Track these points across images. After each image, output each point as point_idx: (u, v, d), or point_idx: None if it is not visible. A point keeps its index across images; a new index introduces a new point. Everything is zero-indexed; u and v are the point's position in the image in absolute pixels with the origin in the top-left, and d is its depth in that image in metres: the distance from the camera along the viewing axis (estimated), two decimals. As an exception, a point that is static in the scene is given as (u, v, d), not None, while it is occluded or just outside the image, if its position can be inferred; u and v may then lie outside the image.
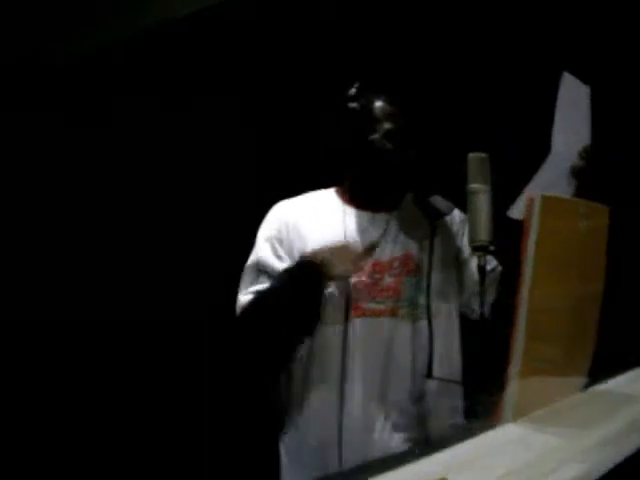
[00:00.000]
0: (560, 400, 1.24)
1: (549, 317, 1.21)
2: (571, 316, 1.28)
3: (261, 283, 1.79)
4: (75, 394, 2.88)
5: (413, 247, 1.82)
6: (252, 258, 1.84)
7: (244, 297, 1.80)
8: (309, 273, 1.71)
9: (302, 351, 1.77)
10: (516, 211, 1.66)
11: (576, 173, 1.69)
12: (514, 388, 1.15)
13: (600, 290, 1.33)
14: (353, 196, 1.88)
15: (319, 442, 1.75)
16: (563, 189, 1.68)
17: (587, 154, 1.68)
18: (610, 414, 1.18)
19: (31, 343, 2.90)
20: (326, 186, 1.97)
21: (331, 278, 1.72)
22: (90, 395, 2.87)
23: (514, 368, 1.14)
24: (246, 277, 1.83)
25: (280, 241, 1.82)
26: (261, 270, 1.81)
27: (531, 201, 1.16)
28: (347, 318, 1.74)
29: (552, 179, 1.69)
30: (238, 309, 1.80)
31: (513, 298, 1.78)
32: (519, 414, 1.15)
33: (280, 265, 1.79)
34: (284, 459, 1.82)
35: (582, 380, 1.33)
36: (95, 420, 2.84)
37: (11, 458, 2.62)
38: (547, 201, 1.17)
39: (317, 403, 1.76)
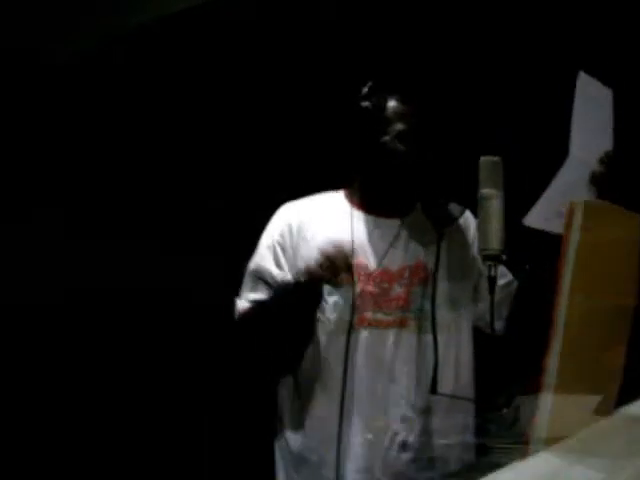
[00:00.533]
0: (592, 424, 1.14)
1: (584, 332, 1.12)
2: (604, 332, 1.19)
3: (259, 291, 1.75)
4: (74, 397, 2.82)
5: (425, 256, 1.74)
6: (253, 262, 1.79)
7: (241, 304, 1.76)
8: (301, 296, 1.67)
9: (305, 361, 1.71)
10: (533, 219, 1.57)
11: (596, 180, 1.60)
12: (546, 410, 1.05)
13: (632, 305, 1.24)
14: (362, 200, 1.80)
15: (317, 457, 1.69)
16: (583, 196, 1.59)
17: (609, 160, 1.59)
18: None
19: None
20: (335, 188, 1.89)
21: (334, 285, 1.67)
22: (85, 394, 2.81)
23: (548, 388, 1.04)
24: (246, 281, 1.78)
25: (283, 246, 1.76)
26: (260, 278, 1.75)
27: (572, 208, 1.06)
28: (351, 328, 1.67)
29: (571, 185, 1.60)
30: (235, 314, 1.76)
31: (530, 313, 1.76)
32: (550, 440, 1.06)
33: (280, 274, 1.73)
34: (280, 472, 1.76)
35: (612, 401, 1.24)
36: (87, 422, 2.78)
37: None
38: (589, 208, 1.07)
39: (317, 417, 1.71)
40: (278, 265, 1.75)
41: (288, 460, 1.74)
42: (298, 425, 1.72)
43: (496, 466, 1.15)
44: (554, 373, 1.10)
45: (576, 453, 1.04)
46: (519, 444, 1.37)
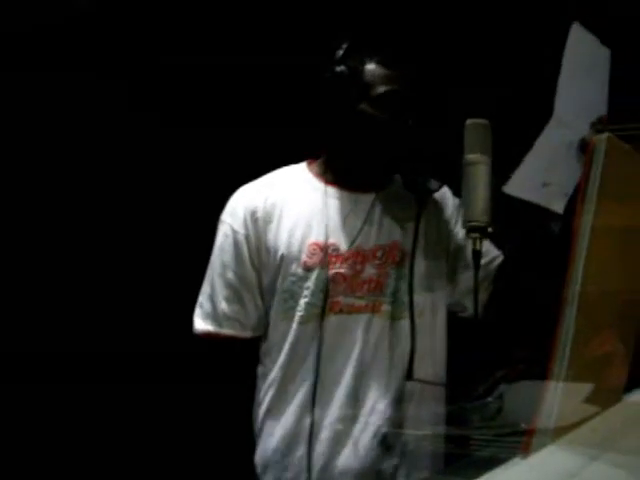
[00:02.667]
0: (601, 412, 1.01)
1: (595, 317, 0.98)
2: (615, 316, 1.06)
3: (233, 302, 1.62)
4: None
5: (401, 235, 1.59)
6: (216, 261, 1.63)
7: (197, 310, 1.64)
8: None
9: (275, 350, 1.60)
10: (514, 187, 1.42)
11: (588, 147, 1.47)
12: (554, 399, 0.91)
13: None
14: (335, 173, 1.63)
15: (288, 448, 1.57)
16: (571, 165, 1.45)
17: (603, 126, 1.46)
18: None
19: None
20: (292, 161, 1.71)
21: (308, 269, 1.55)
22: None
23: (557, 372, 0.90)
24: (206, 280, 1.65)
25: (247, 238, 1.60)
26: (230, 284, 1.62)
27: (593, 143, 0.92)
28: (323, 315, 1.54)
29: (556, 151, 1.46)
30: (200, 329, 1.64)
31: (516, 293, 1.64)
32: (556, 432, 0.92)
33: (241, 273, 1.61)
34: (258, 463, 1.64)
35: (621, 388, 1.12)
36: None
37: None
38: (612, 144, 0.93)
39: (290, 409, 1.58)
40: (240, 262, 1.60)
41: (265, 453, 1.62)
42: (272, 415, 1.60)
43: (491, 460, 1.02)
44: (563, 358, 0.96)
45: (594, 447, 0.90)
46: (505, 435, 1.25)
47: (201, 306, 1.64)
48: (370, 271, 1.57)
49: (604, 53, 1.47)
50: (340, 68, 1.57)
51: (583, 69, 1.45)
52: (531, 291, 1.58)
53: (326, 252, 1.56)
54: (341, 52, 1.59)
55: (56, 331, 2.46)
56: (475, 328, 1.58)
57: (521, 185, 1.42)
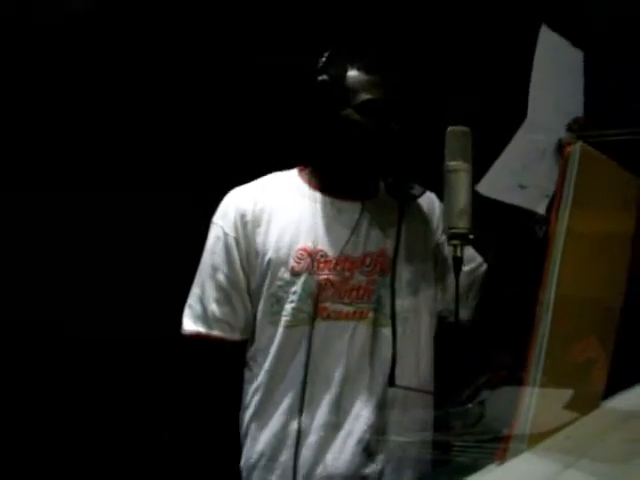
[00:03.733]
0: (578, 419, 1.01)
1: (570, 324, 0.99)
2: (592, 324, 1.06)
3: (224, 304, 1.62)
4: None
5: (388, 243, 1.60)
6: (206, 262, 1.63)
7: (187, 311, 1.63)
8: None
9: (262, 355, 1.60)
10: (487, 187, 1.43)
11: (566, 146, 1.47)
12: (529, 406, 0.91)
13: (621, 295, 1.12)
14: (322, 181, 1.64)
15: (273, 453, 1.57)
16: (550, 166, 1.46)
17: (579, 127, 1.46)
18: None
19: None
20: (286, 167, 1.71)
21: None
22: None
23: (533, 378, 0.91)
24: (196, 282, 1.65)
25: (237, 240, 1.60)
26: (221, 287, 1.62)
27: (568, 151, 0.93)
28: (311, 320, 1.54)
29: (532, 153, 1.46)
30: (189, 331, 1.64)
31: (497, 299, 1.64)
32: (533, 439, 0.92)
33: (231, 276, 1.61)
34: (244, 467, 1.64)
35: (599, 395, 1.12)
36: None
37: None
38: (585, 153, 0.94)
39: (276, 414, 1.58)
40: (229, 262, 1.60)
41: (250, 457, 1.62)
42: (258, 419, 1.60)
43: (470, 467, 1.02)
44: (538, 365, 0.97)
45: (569, 454, 0.91)
46: (487, 442, 1.25)
47: (190, 307, 1.63)
48: (359, 278, 1.57)
49: (576, 55, 1.48)
50: (323, 76, 1.58)
51: (555, 71, 1.45)
52: (514, 296, 1.59)
53: (314, 258, 1.56)
54: (324, 60, 1.60)
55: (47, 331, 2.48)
56: (458, 334, 1.58)
57: (494, 186, 1.42)
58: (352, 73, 1.57)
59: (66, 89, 2.52)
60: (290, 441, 1.54)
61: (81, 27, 2.54)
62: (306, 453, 1.54)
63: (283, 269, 1.56)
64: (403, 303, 1.56)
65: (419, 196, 1.60)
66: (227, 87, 2.47)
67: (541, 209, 1.42)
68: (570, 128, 1.48)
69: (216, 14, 2.46)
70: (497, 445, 1.05)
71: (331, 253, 1.57)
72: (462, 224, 1.39)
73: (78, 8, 2.54)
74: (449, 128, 1.42)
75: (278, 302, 1.57)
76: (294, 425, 1.54)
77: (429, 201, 1.67)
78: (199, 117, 2.52)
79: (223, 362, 1.66)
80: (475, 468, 0.98)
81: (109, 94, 2.55)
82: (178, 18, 2.49)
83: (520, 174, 1.45)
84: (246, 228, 1.60)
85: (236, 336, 1.62)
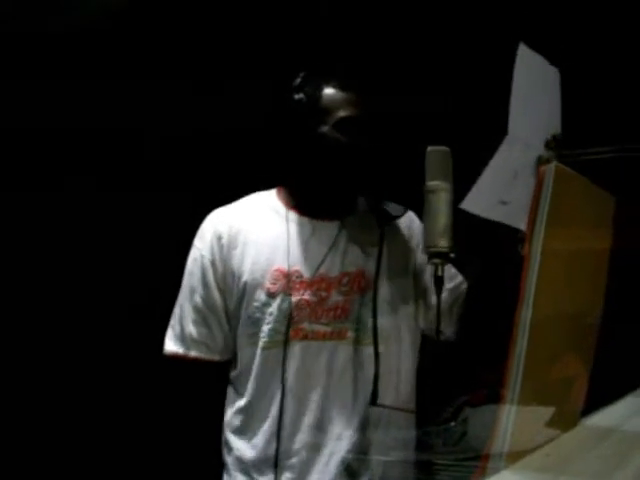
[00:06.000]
0: (557, 437, 1.02)
1: (548, 340, 0.99)
2: (570, 341, 1.07)
3: (202, 325, 1.63)
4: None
5: (367, 262, 1.60)
6: (183, 282, 1.66)
7: (169, 331, 1.65)
8: None
9: (239, 378, 1.61)
10: (471, 203, 1.43)
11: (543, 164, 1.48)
12: (507, 423, 0.92)
13: (599, 311, 1.13)
14: (299, 200, 1.64)
15: (256, 475, 1.57)
16: (530, 183, 1.47)
17: (557, 144, 1.47)
18: (620, 459, 0.96)
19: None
20: (267, 187, 1.72)
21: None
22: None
23: (509, 400, 0.91)
24: (177, 303, 1.66)
25: (212, 262, 1.61)
26: (199, 309, 1.63)
27: (543, 171, 0.94)
28: (286, 341, 1.54)
29: (513, 169, 1.47)
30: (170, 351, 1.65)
31: (480, 317, 1.65)
32: (511, 456, 0.92)
33: (207, 297, 1.61)
34: None
35: (578, 413, 1.12)
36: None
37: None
38: (559, 172, 0.95)
39: (258, 435, 1.58)
40: (205, 284, 1.61)
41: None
42: (241, 439, 1.61)
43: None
44: (516, 383, 0.97)
45: (547, 472, 0.91)
46: (469, 460, 1.25)
47: (172, 328, 1.64)
48: (336, 298, 1.57)
49: (553, 72, 1.49)
50: (299, 95, 1.58)
51: (533, 88, 1.46)
52: (495, 314, 1.60)
53: (289, 279, 1.56)
54: (299, 79, 1.61)
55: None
56: (439, 352, 1.58)
57: (478, 202, 1.43)
58: (328, 91, 1.58)
59: (65, 89, 2.54)
60: (271, 463, 1.53)
61: (81, 27, 2.56)
62: (289, 475, 1.54)
63: (259, 290, 1.57)
64: (384, 322, 1.56)
65: (399, 216, 1.61)
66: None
67: (522, 225, 1.43)
68: (548, 145, 1.49)
69: (195, 32, 2.48)
70: (478, 464, 1.05)
71: (307, 274, 1.57)
72: (443, 243, 1.40)
73: (77, 8, 2.55)
74: (429, 148, 1.43)
75: (255, 323, 1.57)
76: (274, 447, 1.53)
77: (408, 220, 1.68)
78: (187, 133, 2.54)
79: (203, 382, 1.67)
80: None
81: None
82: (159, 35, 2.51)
83: (502, 190, 1.45)
84: (222, 250, 1.60)
85: (215, 357, 1.62)
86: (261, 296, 1.56)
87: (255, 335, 1.57)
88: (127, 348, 2.38)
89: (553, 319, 1.04)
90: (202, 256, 1.62)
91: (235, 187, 1.76)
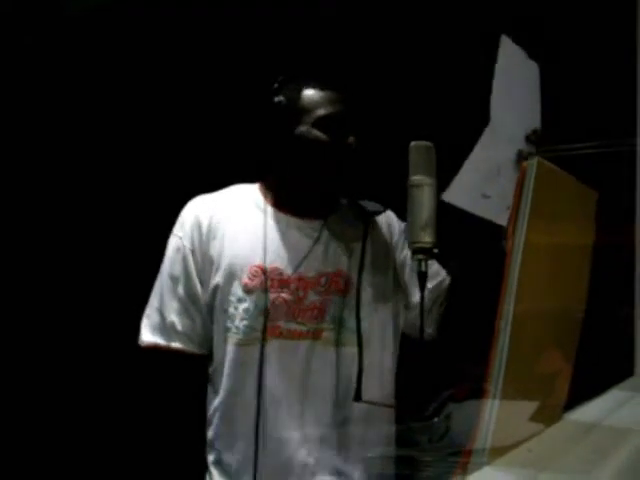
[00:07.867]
0: (539, 432, 1.02)
1: (530, 335, 0.99)
2: (552, 335, 1.07)
3: (184, 315, 1.60)
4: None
5: (345, 263, 1.59)
6: (165, 272, 1.62)
7: (145, 321, 1.62)
8: None
9: (220, 376, 1.58)
10: (453, 195, 1.43)
11: (525, 159, 1.48)
12: (490, 419, 0.91)
13: (582, 306, 1.13)
14: (279, 198, 1.63)
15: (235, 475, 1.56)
16: (511, 177, 1.46)
17: (537, 139, 1.47)
18: (603, 453, 0.96)
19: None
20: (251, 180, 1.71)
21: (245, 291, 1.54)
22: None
23: (492, 395, 0.91)
24: (154, 292, 1.63)
25: (192, 250, 1.59)
26: (169, 289, 1.61)
27: (525, 166, 0.94)
28: (263, 339, 1.52)
29: (494, 163, 1.47)
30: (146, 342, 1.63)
31: (462, 313, 1.65)
32: (494, 451, 0.92)
33: (189, 287, 1.60)
34: None
35: (561, 408, 1.13)
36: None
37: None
38: (542, 167, 0.95)
39: (236, 434, 1.57)
40: (187, 275, 1.59)
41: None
42: (221, 438, 1.60)
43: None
44: (499, 378, 0.97)
45: (530, 467, 0.91)
46: (453, 456, 1.25)
47: (149, 318, 1.62)
48: (313, 298, 1.56)
49: (532, 67, 1.49)
50: (279, 96, 1.58)
51: (514, 81, 1.46)
52: (479, 308, 1.60)
53: (268, 276, 1.55)
54: (279, 80, 1.60)
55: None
56: (423, 348, 1.58)
57: (460, 194, 1.42)
58: (306, 92, 1.58)
59: (66, 89, 2.54)
60: (251, 461, 1.52)
61: (80, 28, 2.55)
62: (268, 473, 1.52)
63: (236, 285, 1.56)
64: (365, 321, 1.56)
65: (381, 212, 1.60)
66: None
67: (502, 220, 1.43)
68: (528, 139, 1.49)
69: (182, 34, 2.48)
70: (460, 460, 1.05)
71: (286, 272, 1.56)
72: (426, 238, 1.40)
73: (77, 9, 2.55)
74: (412, 143, 1.42)
75: (230, 318, 1.56)
76: (253, 445, 1.52)
77: (387, 218, 1.68)
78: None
79: (182, 375, 1.64)
80: (439, 483, 0.98)
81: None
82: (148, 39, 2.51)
83: (483, 184, 1.45)
84: (201, 239, 1.59)
85: (195, 349, 1.61)
86: (237, 291, 1.55)
87: (229, 330, 1.55)
88: (105, 340, 2.39)
89: (536, 314, 1.04)
90: (183, 246, 1.60)
91: (219, 183, 1.76)
